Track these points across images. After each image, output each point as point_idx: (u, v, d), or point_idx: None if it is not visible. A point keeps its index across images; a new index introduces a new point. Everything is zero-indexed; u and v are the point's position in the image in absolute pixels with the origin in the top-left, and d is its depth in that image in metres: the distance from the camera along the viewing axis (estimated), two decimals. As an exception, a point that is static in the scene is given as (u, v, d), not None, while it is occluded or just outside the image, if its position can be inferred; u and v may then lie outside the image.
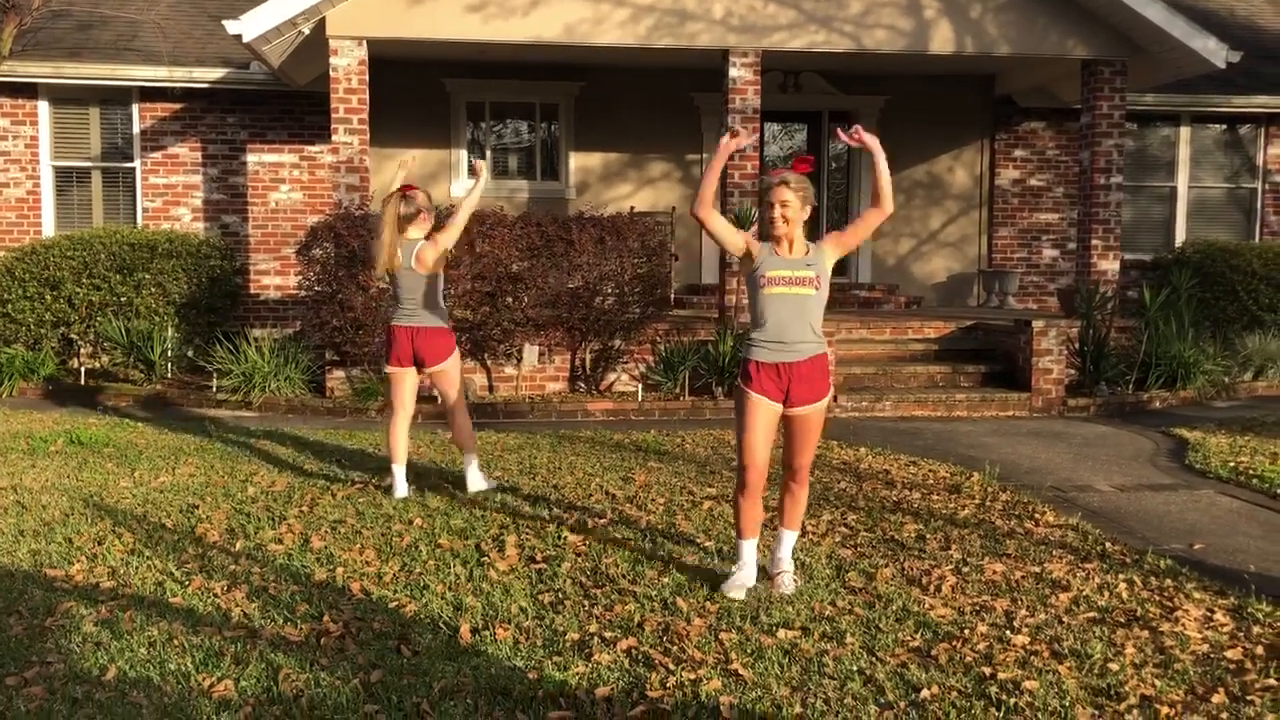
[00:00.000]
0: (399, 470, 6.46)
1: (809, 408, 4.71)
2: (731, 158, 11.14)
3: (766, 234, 4.74)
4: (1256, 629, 4.38)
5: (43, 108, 12.82)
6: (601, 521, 5.86)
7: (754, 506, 4.78)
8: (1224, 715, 3.60)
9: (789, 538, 4.94)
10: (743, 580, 4.73)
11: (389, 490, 6.45)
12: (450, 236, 6.42)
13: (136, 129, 12.95)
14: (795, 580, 4.84)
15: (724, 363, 10.06)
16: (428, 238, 6.41)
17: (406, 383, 6.51)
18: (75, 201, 13.06)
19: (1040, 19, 11.38)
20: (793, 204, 4.61)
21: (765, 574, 4.90)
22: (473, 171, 12.72)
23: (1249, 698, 3.73)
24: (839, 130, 4.94)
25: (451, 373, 6.55)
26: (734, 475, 6.99)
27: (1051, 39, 11.44)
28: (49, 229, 12.86)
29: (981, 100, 14.06)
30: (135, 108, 12.92)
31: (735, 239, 4.77)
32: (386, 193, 6.55)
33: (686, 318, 11.27)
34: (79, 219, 12.97)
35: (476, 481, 6.53)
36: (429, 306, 6.43)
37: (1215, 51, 11.24)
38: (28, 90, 12.70)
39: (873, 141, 4.76)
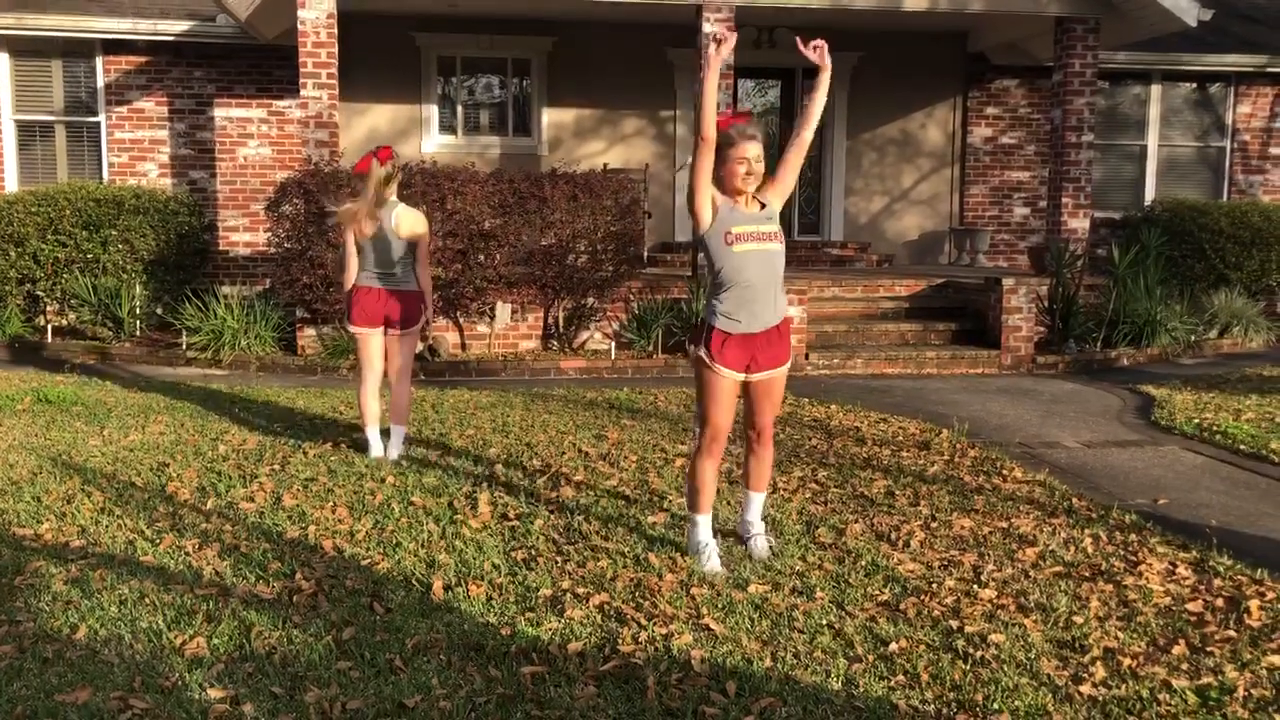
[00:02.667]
0: (373, 432, 6.42)
1: (773, 372, 4.55)
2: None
3: (721, 188, 4.43)
4: (1217, 582, 4.46)
5: (3, 60, 12.58)
6: (575, 479, 5.88)
7: (714, 473, 4.58)
8: (1184, 666, 3.68)
9: (758, 499, 4.84)
10: (715, 559, 4.54)
11: (363, 448, 6.43)
12: (421, 243, 6.39)
13: (101, 82, 12.73)
14: (770, 542, 4.79)
15: (697, 321, 10.05)
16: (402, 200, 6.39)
17: (374, 343, 6.43)
18: (39, 157, 12.85)
19: (1014, -25, 11.35)
20: (762, 159, 4.38)
21: (737, 538, 4.90)
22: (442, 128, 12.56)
23: (1209, 649, 3.81)
24: (798, 40, 4.75)
25: (414, 339, 6.50)
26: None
27: (1025, -4, 11.41)
28: (11, 185, 12.66)
29: (954, 57, 14.03)
30: (99, 60, 12.70)
31: (706, 214, 4.41)
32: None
33: (659, 276, 11.26)
34: (43, 174, 12.77)
35: (397, 448, 6.37)
36: (404, 270, 6.36)
37: (1187, 9, 11.25)
38: (-12, 42, 12.46)
39: (828, 62, 4.62)
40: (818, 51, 4.61)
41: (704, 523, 4.62)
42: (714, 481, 4.62)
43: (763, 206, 4.54)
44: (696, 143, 4.40)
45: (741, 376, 4.50)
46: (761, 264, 4.43)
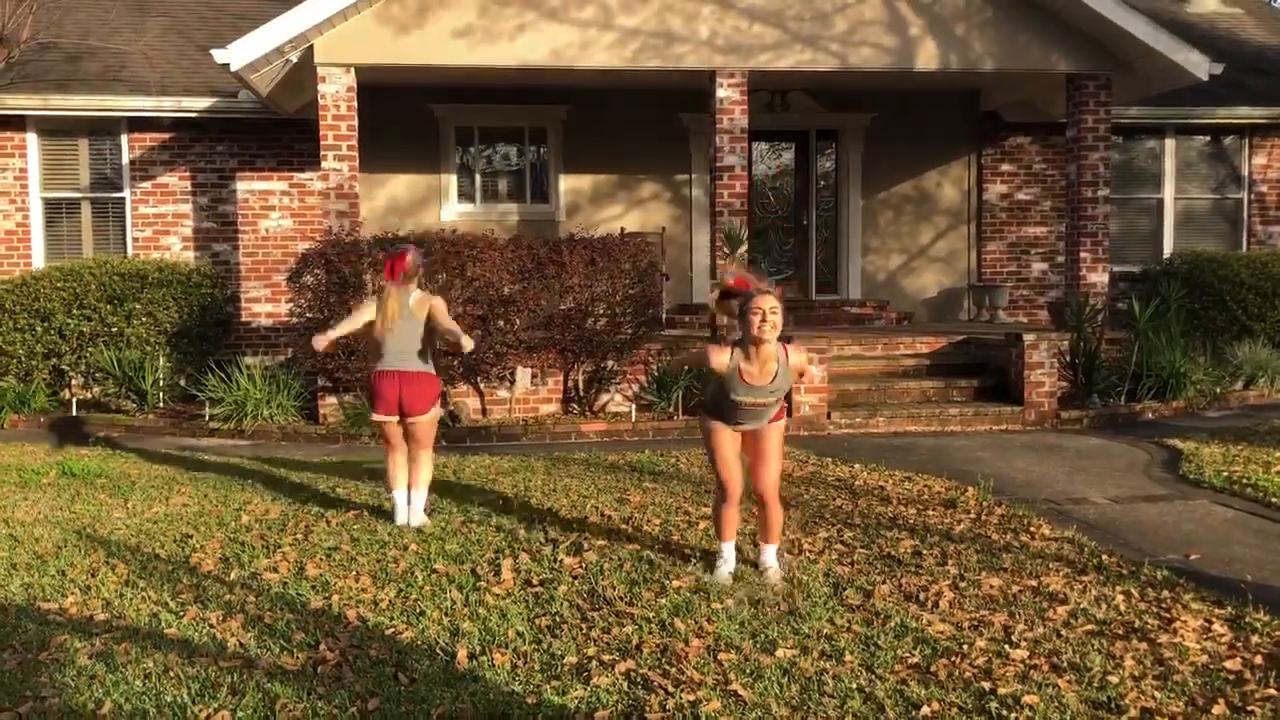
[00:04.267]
0: (400, 495, 6.45)
1: (766, 428, 5.19)
2: (719, 175, 11.23)
3: (746, 336, 4.95)
4: (1255, 638, 4.38)
5: (31, 140, 12.83)
6: (598, 543, 5.84)
7: (732, 514, 5.32)
8: (1224, 726, 3.60)
9: (769, 549, 5.36)
10: (727, 570, 5.25)
11: (391, 515, 6.41)
12: (440, 320, 6.40)
13: (125, 159, 12.96)
14: (781, 572, 5.27)
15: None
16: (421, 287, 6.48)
17: (393, 428, 6.45)
18: (65, 233, 13.05)
19: (1023, 35, 11.46)
20: (778, 311, 4.90)
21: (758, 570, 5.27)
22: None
23: (1249, 708, 3.73)
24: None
25: (429, 424, 6.45)
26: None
27: (1035, 54, 11.52)
28: (39, 261, 12.85)
29: (967, 116, 14.14)
30: (124, 138, 12.93)
31: (721, 353, 5.08)
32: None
33: (678, 337, 11.27)
34: (69, 250, 12.96)
35: (419, 516, 6.41)
36: (420, 356, 6.37)
37: (1198, 64, 11.33)
38: (16, 122, 12.71)
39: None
40: None
41: (726, 547, 5.37)
42: (732, 520, 5.38)
43: (773, 379, 5.04)
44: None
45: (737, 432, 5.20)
46: (753, 411, 5.13)
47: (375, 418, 6.46)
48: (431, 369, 6.45)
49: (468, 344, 6.26)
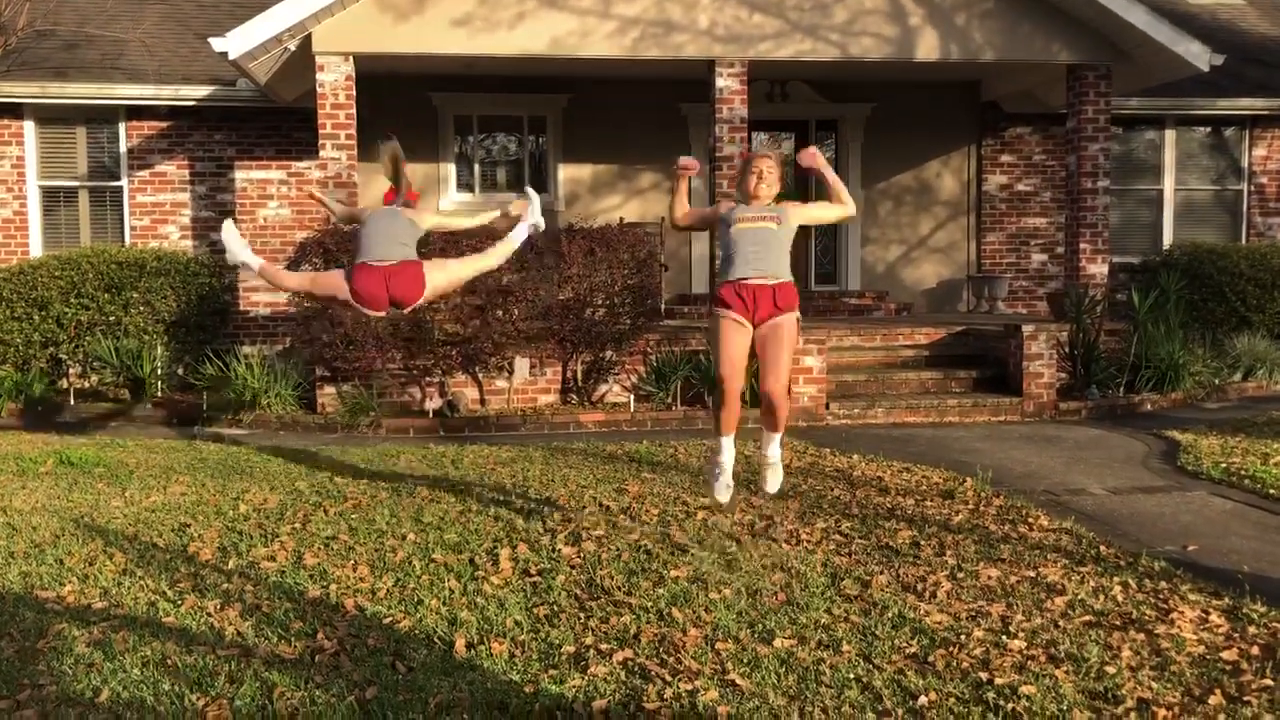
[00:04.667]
0: None
1: (777, 318, 5.23)
2: (719, 165, 11.21)
3: (743, 194, 5.38)
4: (1252, 629, 4.38)
5: (29, 128, 12.80)
6: (596, 533, 5.84)
7: (732, 412, 5.36)
8: (1221, 717, 3.60)
9: (773, 436, 5.49)
10: (724, 482, 5.51)
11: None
12: (433, 219, 6.16)
13: (123, 147, 12.93)
14: (779, 478, 5.56)
15: (715, 373, 10.05)
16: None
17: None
18: (62, 221, 13.02)
19: (1024, 25, 11.44)
20: (774, 171, 5.32)
21: (750, 487, 5.50)
22: (468, 189, 12.67)
23: (1245, 699, 3.73)
24: (797, 159, 5.61)
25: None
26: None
27: (1036, 45, 11.49)
28: (36, 249, 12.82)
29: (967, 106, 14.11)
30: (122, 126, 12.90)
31: (708, 211, 5.57)
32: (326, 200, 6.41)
33: (677, 328, 11.27)
34: (66, 239, 12.93)
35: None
36: (406, 242, 5.70)
37: (1199, 55, 11.30)
38: (13, 110, 12.67)
39: (823, 163, 5.50)
40: (808, 162, 5.48)
41: (725, 441, 5.46)
42: (732, 417, 5.39)
43: (770, 204, 5.35)
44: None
45: (748, 324, 5.25)
46: (755, 236, 5.24)
47: (360, 309, 5.71)
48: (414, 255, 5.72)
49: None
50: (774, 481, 5.65)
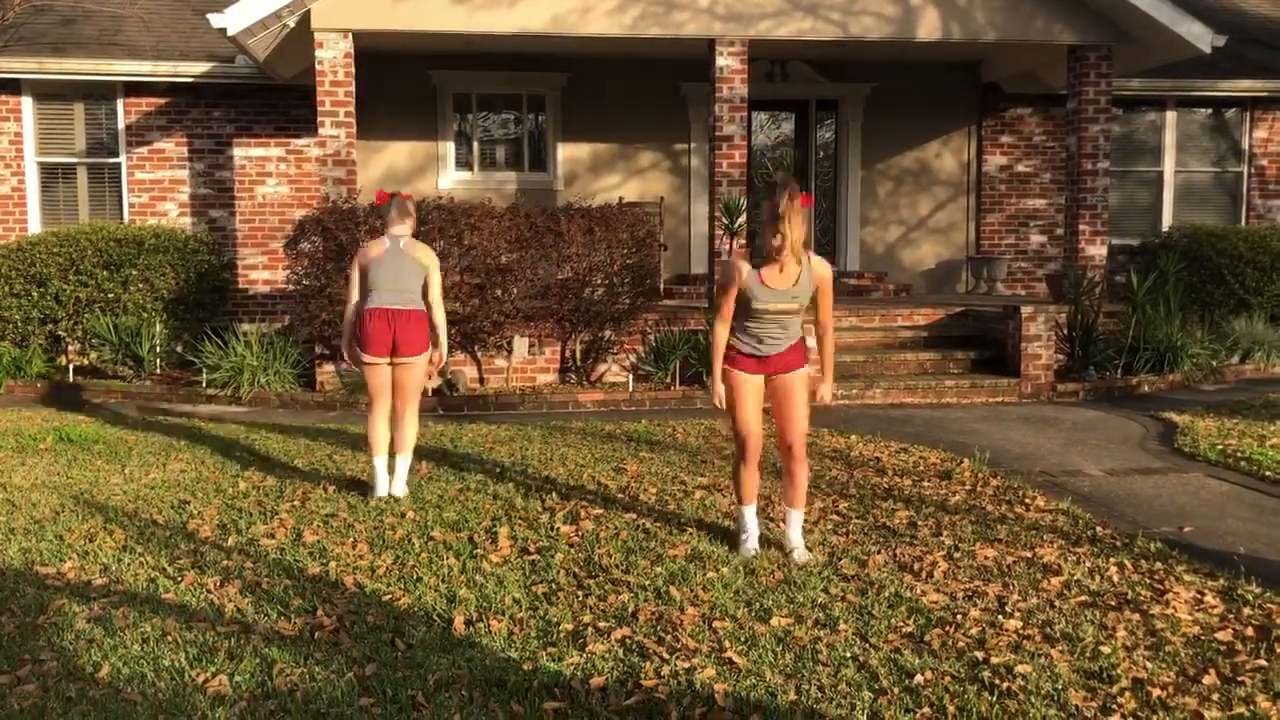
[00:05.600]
0: (380, 462, 6.24)
1: (789, 374, 5.09)
2: (718, 145, 11.19)
3: (765, 248, 4.90)
4: (1246, 610, 4.41)
5: (26, 104, 12.74)
6: (594, 512, 5.86)
7: (752, 474, 5.16)
8: (1215, 696, 3.63)
9: (796, 516, 5.18)
10: (752, 544, 5.14)
11: (366, 491, 6.29)
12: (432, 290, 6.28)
13: (121, 124, 12.88)
14: (809, 551, 5.14)
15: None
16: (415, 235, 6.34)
17: (382, 373, 6.24)
18: (61, 198, 12.99)
19: (1025, 4, 11.39)
20: (799, 225, 4.83)
21: (781, 549, 5.15)
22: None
23: (1240, 678, 3.76)
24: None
25: (419, 369, 6.29)
26: (725, 464, 7.02)
27: (1037, 25, 11.45)
28: (35, 226, 12.80)
29: (968, 87, 14.06)
30: (120, 103, 12.85)
31: (733, 291, 4.99)
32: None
33: (676, 307, 11.27)
34: (65, 215, 12.90)
35: (401, 486, 6.30)
36: (413, 295, 6.18)
37: (1200, 36, 11.26)
38: (11, 86, 12.62)
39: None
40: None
41: (748, 512, 5.21)
42: (753, 481, 5.18)
43: (796, 281, 4.95)
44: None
45: (760, 378, 5.09)
46: (775, 321, 5.03)
47: (366, 357, 6.19)
48: (423, 308, 6.22)
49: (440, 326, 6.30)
50: (804, 558, 5.09)
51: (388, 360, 6.23)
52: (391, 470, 6.35)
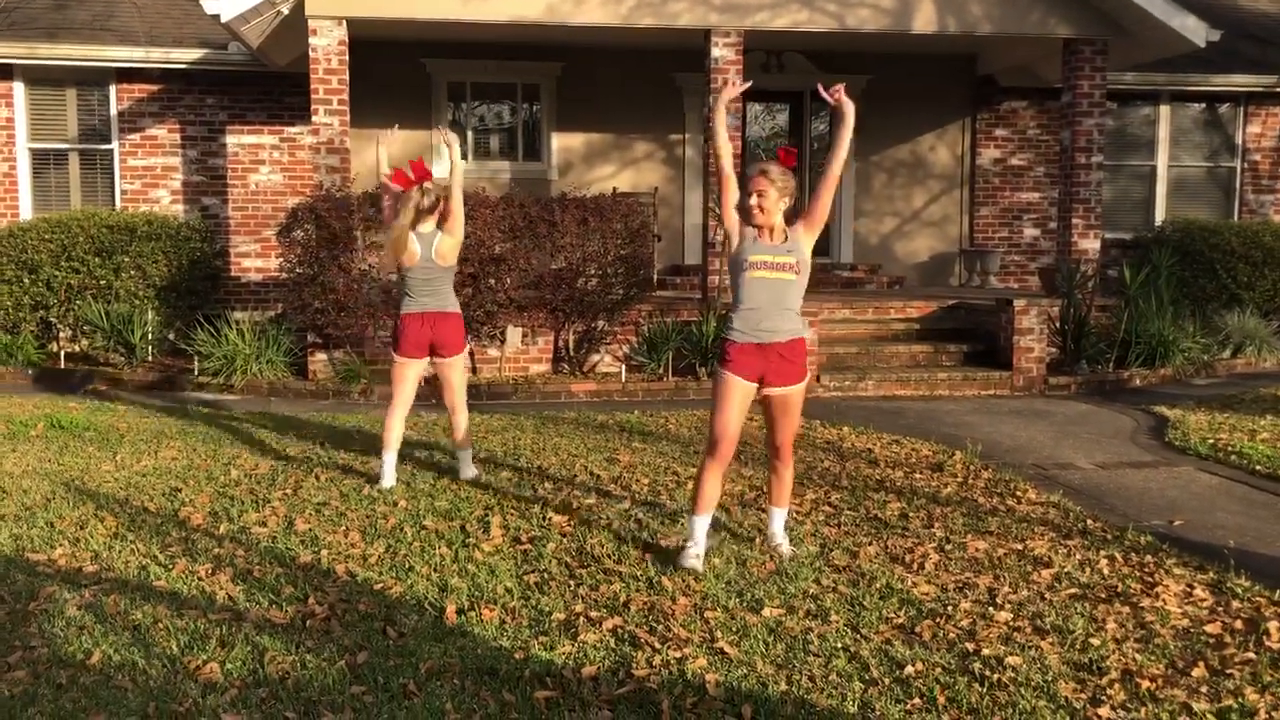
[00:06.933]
0: (389, 458, 6.32)
1: (786, 389, 4.82)
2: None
3: (746, 220, 4.80)
4: (1235, 603, 4.43)
5: (18, 89, 12.68)
6: (587, 502, 5.86)
7: (715, 481, 4.82)
8: (1204, 688, 3.64)
9: (779, 514, 5.10)
10: (697, 552, 4.79)
11: (375, 480, 6.33)
12: (460, 227, 6.31)
13: (114, 110, 12.83)
14: (791, 547, 5.04)
15: (707, 343, 10.07)
16: (439, 226, 6.32)
17: (412, 374, 6.36)
18: (53, 184, 12.93)
19: (1022, -2, 11.39)
20: (770, 194, 4.70)
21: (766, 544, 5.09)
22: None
23: (1228, 671, 3.77)
24: (820, 86, 5.08)
25: (462, 363, 6.47)
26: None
27: (1033, 18, 11.44)
28: (26, 212, 12.74)
29: (963, 80, 14.06)
30: (112, 89, 12.80)
31: (731, 215, 4.84)
32: (382, 175, 6.47)
33: (669, 298, 11.27)
34: (56, 202, 12.85)
35: (469, 470, 6.49)
36: (446, 294, 6.34)
37: (1195, 30, 11.27)
38: (3, 71, 12.55)
39: (849, 106, 4.94)
40: (836, 97, 4.96)
41: (699, 523, 4.85)
42: (714, 489, 4.84)
43: (786, 238, 4.78)
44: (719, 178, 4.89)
45: (753, 386, 4.78)
46: (771, 289, 4.74)
47: (396, 357, 6.33)
48: (458, 309, 6.42)
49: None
50: (787, 552, 5.01)
51: (423, 360, 6.37)
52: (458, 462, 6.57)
